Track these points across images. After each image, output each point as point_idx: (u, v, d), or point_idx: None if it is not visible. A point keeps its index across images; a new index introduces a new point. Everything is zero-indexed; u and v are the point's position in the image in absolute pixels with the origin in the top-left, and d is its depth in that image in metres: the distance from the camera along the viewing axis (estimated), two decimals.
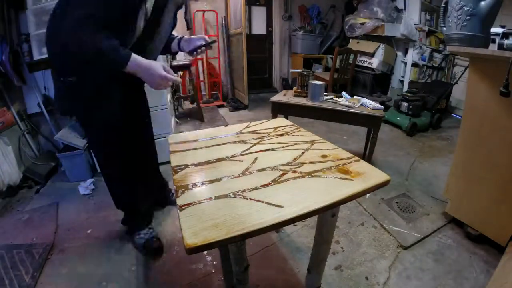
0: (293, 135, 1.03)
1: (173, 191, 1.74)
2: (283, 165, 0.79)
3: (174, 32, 1.34)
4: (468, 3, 1.22)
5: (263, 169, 0.76)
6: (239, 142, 0.96)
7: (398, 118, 3.08)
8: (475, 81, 1.33)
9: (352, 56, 3.52)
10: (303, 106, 1.87)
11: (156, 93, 1.89)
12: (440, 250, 1.39)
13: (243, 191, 0.66)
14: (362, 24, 3.87)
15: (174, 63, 3.12)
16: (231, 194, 0.64)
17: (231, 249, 0.70)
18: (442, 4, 1.42)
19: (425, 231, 1.51)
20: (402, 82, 3.89)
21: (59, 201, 1.78)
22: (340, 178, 0.72)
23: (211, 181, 0.71)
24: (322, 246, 0.94)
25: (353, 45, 3.97)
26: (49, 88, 2.23)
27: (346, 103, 1.86)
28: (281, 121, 1.22)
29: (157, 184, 1.65)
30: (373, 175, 0.74)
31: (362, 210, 1.69)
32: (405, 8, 3.71)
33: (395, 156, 2.46)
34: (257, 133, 1.05)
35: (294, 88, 2.08)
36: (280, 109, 1.96)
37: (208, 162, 0.81)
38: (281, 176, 0.73)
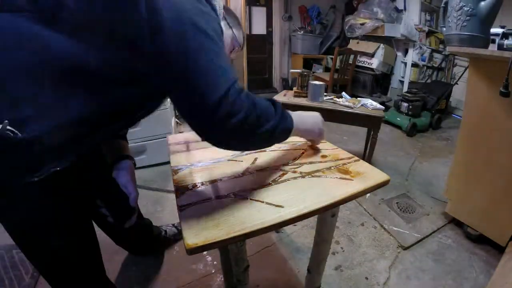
0: None
1: (165, 228, 1.42)
2: (283, 165, 0.79)
3: None
4: (468, 3, 1.22)
5: (263, 169, 0.76)
6: None
7: (398, 119, 3.09)
8: (475, 81, 1.33)
9: (352, 56, 3.52)
10: (303, 107, 1.87)
11: None
12: (440, 250, 1.39)
13: (243, 191, 0.66)
14: (362, 24, 3.87)
15: None
16: (231, 194, 0.64)
17: (231, 249, 0.70)
18: (442, 5, 1.42)
19: (425, 231, 1.51)
20: (402, 82, 3.89)
21: None
22: (340, 178, 0.72)
23: (211, 181, 0.71)
24: (322, 246, 0.94)
25: (353, 45, 3.97)
26: None
27: (346, 103, 1.86)
28: None
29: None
30: (373, 175, 0.73)
31: (362, 210, 1.69)
32: (405, 9, 3.72)
33: (395, 156, 2.46)
34: None
35: (294, 89, 2.08)
36: None
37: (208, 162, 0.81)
38: (281, 176, 0.73)
